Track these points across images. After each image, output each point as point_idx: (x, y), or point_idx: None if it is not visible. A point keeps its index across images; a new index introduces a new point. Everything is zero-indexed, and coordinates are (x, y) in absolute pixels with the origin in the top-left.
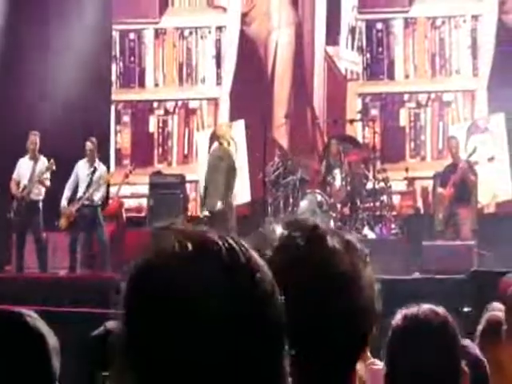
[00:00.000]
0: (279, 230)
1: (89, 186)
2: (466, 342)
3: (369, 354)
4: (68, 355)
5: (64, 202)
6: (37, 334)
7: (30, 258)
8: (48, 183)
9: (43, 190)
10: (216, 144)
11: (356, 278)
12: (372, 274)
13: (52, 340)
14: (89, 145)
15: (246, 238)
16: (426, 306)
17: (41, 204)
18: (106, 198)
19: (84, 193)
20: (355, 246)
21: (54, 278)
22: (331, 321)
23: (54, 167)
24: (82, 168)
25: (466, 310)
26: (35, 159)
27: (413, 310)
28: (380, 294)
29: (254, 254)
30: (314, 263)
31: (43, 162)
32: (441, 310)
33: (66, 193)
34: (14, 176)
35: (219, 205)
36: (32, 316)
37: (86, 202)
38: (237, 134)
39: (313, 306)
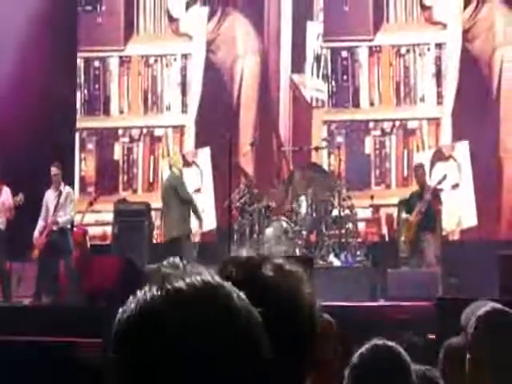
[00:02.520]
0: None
1: (56, 208)
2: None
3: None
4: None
5: (36, 233)
6: None
7: None
8: (12, 213)
9: (5, 219)
10: (169, 172)
11: (293, 301)
12: (310, 293)
13: None
14: (54, 170)
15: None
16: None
17: (3, 233)
18: (72, 223)
19: (52, 216)
20: (289, 269)
21: (18, 306)
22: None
23: (21, 202)
24: (48, 196)
25: (430, 337)
26: None
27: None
28: (344, 321)
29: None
30: (250, 294)
31: (6, 192)
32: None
33: (39, 224)
34: None
35: (174, 234)
36: None
37: (55, 227)
38: (202, 162)
39: None
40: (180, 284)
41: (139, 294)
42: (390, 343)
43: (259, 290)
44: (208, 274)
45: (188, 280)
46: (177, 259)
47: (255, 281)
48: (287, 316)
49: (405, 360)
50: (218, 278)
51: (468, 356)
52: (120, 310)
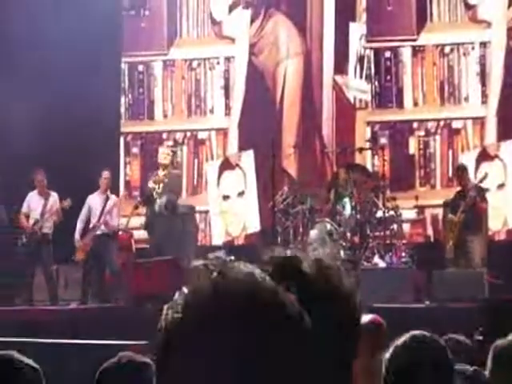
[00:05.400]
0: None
1: (101, 214)
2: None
3: None
4: None
5: (77, 236)
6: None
7: (40, 291)
8: (60, 217)
9: (53, 223)
10: None
11: (331, 296)
12: (350, 285)
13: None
14: (106, 173)
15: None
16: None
17: (51, 237)
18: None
19: (98, 221)
20: (326, 264)
21: (64, 310)
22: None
23: (69, 207)
24: (93, 199)
25: (477, 338)
26: (46, 195)
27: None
28: (390, 323)
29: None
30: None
31: (54, 197)
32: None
33: (78, 226)
34: (24, 210)
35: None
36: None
37: (99, 232)
38: (246, 164)
39: None
40: (231, 278)
41: (186, 290)
42: (429, 334)
43: (297, 285)
44: (255, 270)
45: (238, 275)
46: (221, 253)
47: (293, 277)
48: (327, 310)
49: (446, 351)
50: (264, 275)
51: None
52: (166, 307)
